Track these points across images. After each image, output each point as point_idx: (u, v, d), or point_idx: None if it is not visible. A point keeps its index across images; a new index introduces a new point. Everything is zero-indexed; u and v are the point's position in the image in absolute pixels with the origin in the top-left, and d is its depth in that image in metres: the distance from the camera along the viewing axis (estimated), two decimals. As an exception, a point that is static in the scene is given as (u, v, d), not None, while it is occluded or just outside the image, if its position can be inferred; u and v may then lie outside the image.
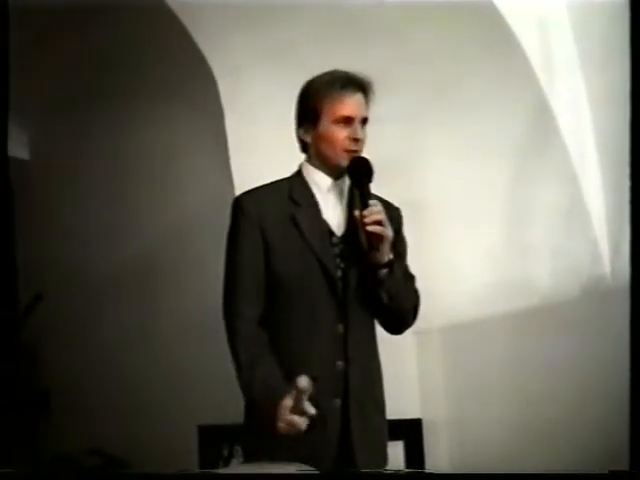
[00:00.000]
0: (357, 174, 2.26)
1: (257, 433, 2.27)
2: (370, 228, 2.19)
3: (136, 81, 3.64)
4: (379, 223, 2.19)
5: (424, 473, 2.37)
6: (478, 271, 3.20)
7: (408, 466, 3.21)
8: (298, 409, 2.09)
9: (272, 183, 2.39)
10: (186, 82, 3.47)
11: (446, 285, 3.21)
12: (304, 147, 2.37)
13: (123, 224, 3.87)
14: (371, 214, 2.19)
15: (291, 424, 2.10)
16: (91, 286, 3.93)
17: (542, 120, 3.05)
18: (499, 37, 2.94)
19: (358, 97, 2.28)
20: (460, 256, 3.21)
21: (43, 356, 3.92)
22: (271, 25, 3.10)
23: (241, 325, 2.26)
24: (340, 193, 2.34)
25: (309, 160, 2.35)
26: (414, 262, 3.09)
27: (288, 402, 2.10)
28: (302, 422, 2.10)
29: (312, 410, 2.10)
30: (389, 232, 2.22)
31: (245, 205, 2.31)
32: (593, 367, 2.97)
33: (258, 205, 2.30)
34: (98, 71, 3.72)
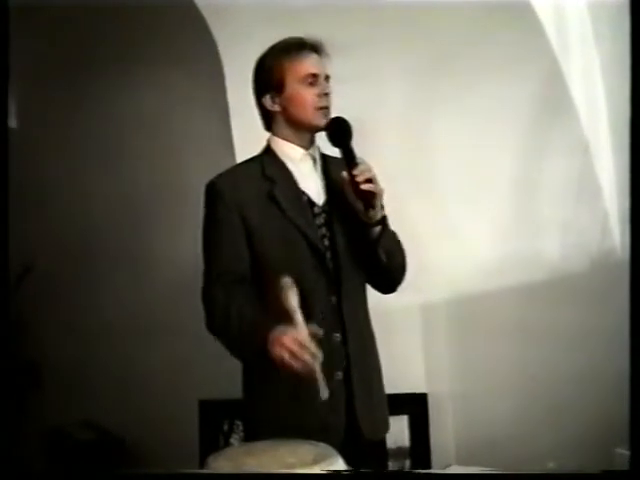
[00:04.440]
0: (337, 134, 2.22)
1: (258, 407, 2.24)
2: (365, 187, 2.16)
3: (134, 45, 3.56)
4: (371, 181, 2.17)
5: (428, 474, 2.34)
6: (486, 243, 3.17)
7: (413, 441, 3.20)
8: (298, 340, 1.99)
9: (243, 163, 2.37)
10: (187, 46, 3.40)
11: (453, 258, 3.17)
12: (268, 122, 2.34)
13: (119, 192, 3.78)
14: (362, 172, 2.17)
15: (295, 354, 2.01)
16: (85, 256, 3.86)
17: (554, 90, 3.02)
18: (514, 4, 2.90)
19: (316, 57, 2.29)
20: (467, 228, 3.18)
21: (35, 328, 3.85)
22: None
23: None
24: (313, 162, 2.32)
25: (277, 133, 2.32)
26: (420, 234, 3.07)
27: (288, 331, 2.01)
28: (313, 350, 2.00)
29: (320, 331, 2.04)
30: (381, 188, 2.21)
31: (220, 188, 2.25)
32: (601, 340, 2.97)
33: (233, 187, 2.26)
34: (93, 34, 3.63)
